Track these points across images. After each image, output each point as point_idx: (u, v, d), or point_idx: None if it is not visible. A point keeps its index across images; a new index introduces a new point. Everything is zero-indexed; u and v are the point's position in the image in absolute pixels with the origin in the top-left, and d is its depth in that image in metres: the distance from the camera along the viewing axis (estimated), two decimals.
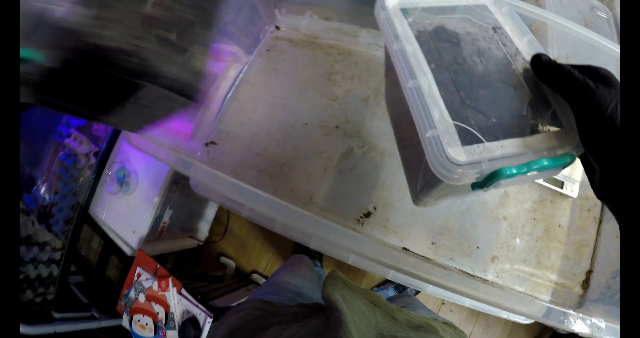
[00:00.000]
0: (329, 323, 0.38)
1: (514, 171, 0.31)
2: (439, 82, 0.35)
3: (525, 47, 0.39)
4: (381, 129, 0.67)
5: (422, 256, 0.49)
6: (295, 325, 0.42)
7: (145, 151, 0.57)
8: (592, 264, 0.65)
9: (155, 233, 1.11)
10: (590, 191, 0.65)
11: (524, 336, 1.43)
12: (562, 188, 0.65)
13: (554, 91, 0.35)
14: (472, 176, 0.31)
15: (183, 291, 0.89)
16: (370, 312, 0.44)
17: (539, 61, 0.36)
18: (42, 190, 1.08)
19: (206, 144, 0.68)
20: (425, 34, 0.39)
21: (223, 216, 1.50)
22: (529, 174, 0.32)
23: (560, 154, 0.33)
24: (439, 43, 0.38)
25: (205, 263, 1.52)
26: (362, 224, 0.61)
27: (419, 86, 0.34)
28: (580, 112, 0.31)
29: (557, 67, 0.34)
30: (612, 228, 0.64)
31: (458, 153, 0.31)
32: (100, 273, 1.16)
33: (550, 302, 0.65)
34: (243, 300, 1.01)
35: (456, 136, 0.32)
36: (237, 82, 0.74)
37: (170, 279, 0.90)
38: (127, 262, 1.05)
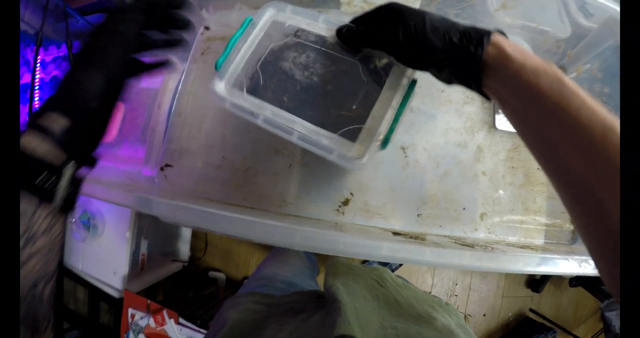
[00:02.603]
0: (329, 314, 0.37)
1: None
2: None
3: (326, 28, 0.47)
4: None
5: (414, 237, 0.46)
6: (298, 320, 0.41)
7: (97, 196, 0.52)
8: None
9: (137, 267, 1.05)
10: None
11: (520, 276, 1.48)
12: None
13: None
14: None
15: (181, 320, 0.85)
16: (373, 296, 0.44)
17: (339, 34, 0.44)
18: None
19: (162, 169, 0.63)
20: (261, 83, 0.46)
21: (200, 231, 1.46)
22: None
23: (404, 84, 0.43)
24: (271, 80, 0.46)
25: (195, 283, 1.47)
26: (343, 213, 0.58)
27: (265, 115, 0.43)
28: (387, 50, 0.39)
29: (353, 32, 0.43)
30: None
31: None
32: (95, 323, 1.10)
33: (545, 243, 0.65)
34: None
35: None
36: (177, 95, 0.68)
37: (164, 312, 0.85)
38: (117, 305, 1.00)
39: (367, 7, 0.64)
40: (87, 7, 0.92)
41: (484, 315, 1.45)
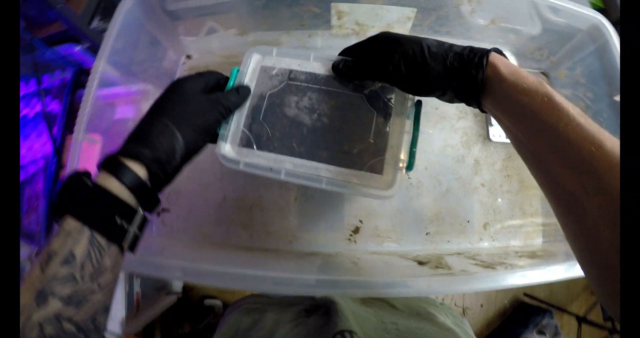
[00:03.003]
0: (327, 314, 0.39)
1: None
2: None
3: (320, 65, 0.46)
4: None
5: (435, 263, 0.46)
6: (293, 310, 0.44)
7: None
8: None
9: (133, 308, 1.01)
10: None
11: None
12: None
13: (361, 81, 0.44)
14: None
15: None
16: (368, 304, 0.45)
17: (336, 70, 0.44)
18: None
19: (158, 214, 0.60)
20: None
21: None
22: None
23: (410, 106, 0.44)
24: (276, 129, 0.44)
25: (192, 314, 1.43)
26: (355, 241, 0.58)
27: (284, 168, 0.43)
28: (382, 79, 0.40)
29: (350, 67, 0.42)
30: None
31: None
32: None
33: (543, 242, 0.67)
34: None
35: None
36: None
37: None
38: None
39: (358, 29, 0.64)
40: (53, 37, 0.86)
41: (481, 306, 1.50)
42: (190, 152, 0.38)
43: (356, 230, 0.58)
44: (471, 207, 0.62)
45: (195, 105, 0.37)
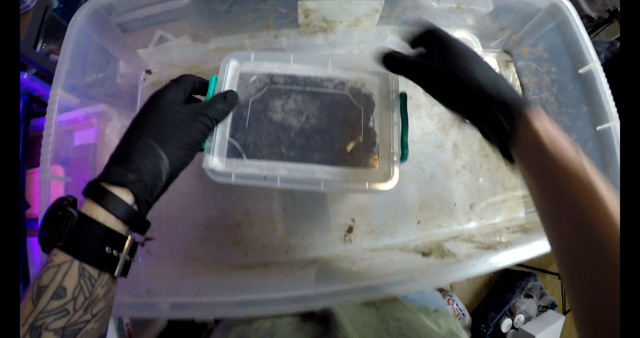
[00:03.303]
0: (324, 323, 0.39)
1: None
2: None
3: (299, 67, 0.45)
4: None
5: (436, 251, 0.47)
6: (294, 326, 0.42)
7: None
8: None
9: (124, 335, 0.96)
10: None
11: None
12: None
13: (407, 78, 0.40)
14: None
15: None
16: (366, 314, 0.44)
17: (385, 61, 0.40)
18: None
19: (142, 244, 0.57)
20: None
21: None
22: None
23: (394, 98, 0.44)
24: (262, 135, 0.43)
25: (185, 334, 1.37)
26: (350, 241, 0.57)
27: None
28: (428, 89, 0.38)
29: (400, 61, 0.39)
30: None
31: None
32: None
33: (526, 214, 0.70)
34: None
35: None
36: None
37: None
38: None
39: (326, 26, 0.62)
40: None
41: (467, 279, 1.55)
42: (177, 170, 0.36)
43: (350, 229, 0.58)
44: (456, 190, 0.63)
45: (178, 120, 0.35)
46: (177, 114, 0.35)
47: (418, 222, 0.61)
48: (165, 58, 0.64)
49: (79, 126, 0.59)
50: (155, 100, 0.36)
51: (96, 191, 0.31)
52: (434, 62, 0.36)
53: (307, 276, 0.50)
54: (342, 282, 0.43)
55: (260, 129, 0.42)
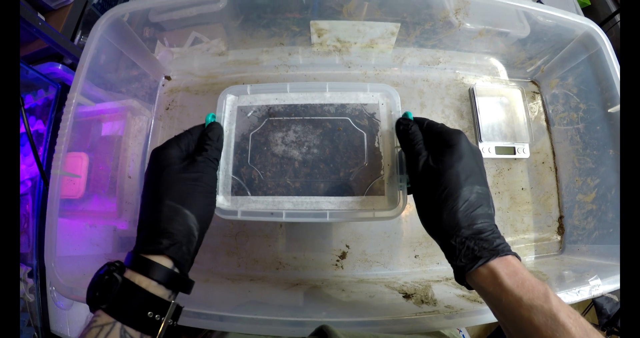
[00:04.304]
0: (319, 335, 0.38)
1: None
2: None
3: (297, 96, 0.45)
4: None
5: (426, 309, 0.45)
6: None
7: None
8: (560, 210, 0.66)
9: None
10: (539, 146, 0.65)
11: None
12: (514, 153, 0.65)
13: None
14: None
15: None
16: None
17: (398, 128, 0.40)
18: None
19: None
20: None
21: None
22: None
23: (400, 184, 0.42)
24: (266, 169, 0.43)
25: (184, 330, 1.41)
26: (342, 267, 0.57)
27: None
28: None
29: (411, 134, 0.39)
30: (567, 170, 0.65)
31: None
32: None
33: (535, 258, 0.66)
34: None
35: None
36: (146, 158, 0.64)
37: None
38: None
39: (340, 46, 0.62)
40: (34, 55, 0.84)
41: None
42: (206, 221, 0.37)
43: (343, 256, 0.57)
44: None
45: (189, 174, 0.36)
46: (186, 169, 0.36)
47: (416, 256, 0.59)
48: (184, 67, 0.66)
49: (107, 117, 0.62)
50: (160, 160, 0.37)
51: (137, 262, 0.32)
52: (428, 154, 0.37)
53: (297, 298, 0.50)
54: (327, 315, 0.42)
55: (263, 161, 0.42)
